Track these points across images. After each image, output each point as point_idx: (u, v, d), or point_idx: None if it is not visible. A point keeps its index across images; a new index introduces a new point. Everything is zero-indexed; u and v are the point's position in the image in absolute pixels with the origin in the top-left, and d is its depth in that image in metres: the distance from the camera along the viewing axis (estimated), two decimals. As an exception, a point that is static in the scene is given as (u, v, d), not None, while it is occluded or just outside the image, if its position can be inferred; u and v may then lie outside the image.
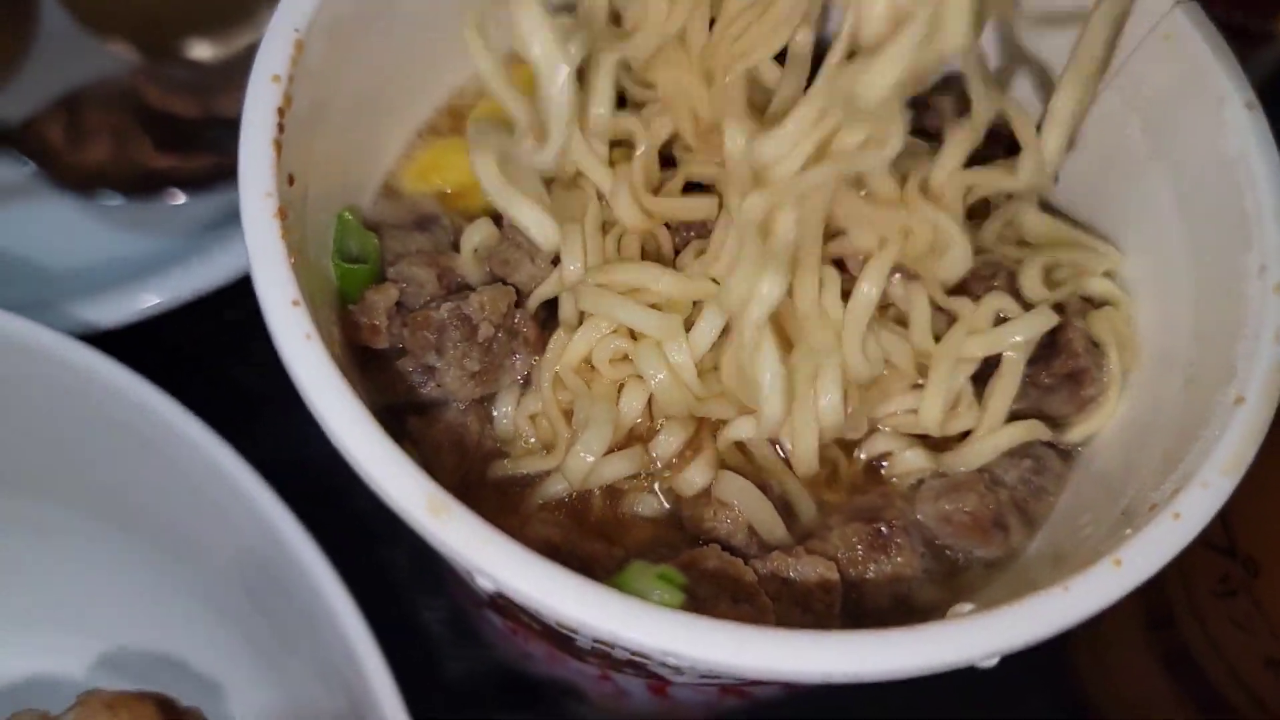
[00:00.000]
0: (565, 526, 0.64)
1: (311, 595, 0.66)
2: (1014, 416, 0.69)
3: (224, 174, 1.00)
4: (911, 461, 0.68)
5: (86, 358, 0.63)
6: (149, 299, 0.87)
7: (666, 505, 0.67)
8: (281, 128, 0.57)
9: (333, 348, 0.57)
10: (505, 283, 0.68)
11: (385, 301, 0.66)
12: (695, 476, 0.65)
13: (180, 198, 1.01)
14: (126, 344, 0.72)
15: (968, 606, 0.55)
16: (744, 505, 0.65)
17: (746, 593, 0.59)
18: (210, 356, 0.98)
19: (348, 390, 0.51)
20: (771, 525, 0.65)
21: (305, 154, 0.61)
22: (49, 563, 0.77)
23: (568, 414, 0.66)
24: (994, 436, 0.68)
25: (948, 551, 0.68)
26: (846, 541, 0.65)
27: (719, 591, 0.59)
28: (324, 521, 0.66)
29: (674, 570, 0.52)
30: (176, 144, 0.98)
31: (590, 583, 0.48)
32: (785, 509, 0.67)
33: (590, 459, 0.63)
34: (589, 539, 0.64)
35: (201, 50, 1.00)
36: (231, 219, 0.90)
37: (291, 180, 0.59)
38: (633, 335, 0.65)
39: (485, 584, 0.49)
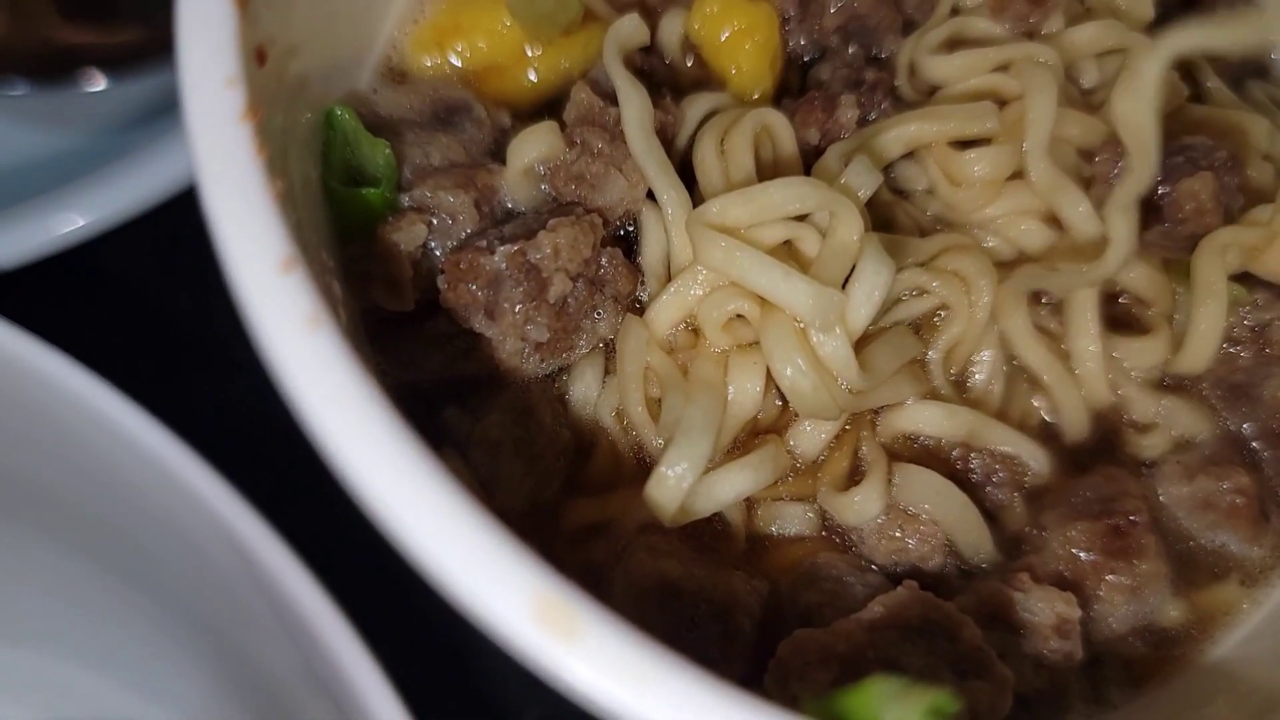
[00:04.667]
0: (683, 554, 0.45)
1: (309, 639, 0.47)
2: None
3: (155, 50, 0.78)
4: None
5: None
6: (71, 220, 0.65)
7: (817, 518, 0.48)
8: (244, -32, 0.35)
9: (337, 319, 0.37)
10: (582, 209, 0.46)
11: (409, 243, 0.44)
12: (866, 504, 0.46)
13: (99, 82, 0.77)
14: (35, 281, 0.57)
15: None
16: (941, 514, 0.46)
17: (973, 660, 0.40)
18: (147, 290, 0.76)
19: (394, 421, 0.30)
20: (979, 539, 0.47)
21: (282, 14, 0.39)
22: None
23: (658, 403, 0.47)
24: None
25: (1195, 550, 0.50)
26: (1071, 548, 0.47)
27: (933, 660, 0.40)
28: (314, 505, 0.46)
29: (947, 696, 0.32)
30: (91, 12, 0.77)
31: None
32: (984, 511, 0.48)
33: (683, 482, 0.44)
34: (719, 570, 0.45)
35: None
36: (170, 109, 0.68)
37: (262, 57, 0.37)
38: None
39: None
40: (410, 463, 0.30)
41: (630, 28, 0.50)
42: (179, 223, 0.62)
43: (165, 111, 0.71)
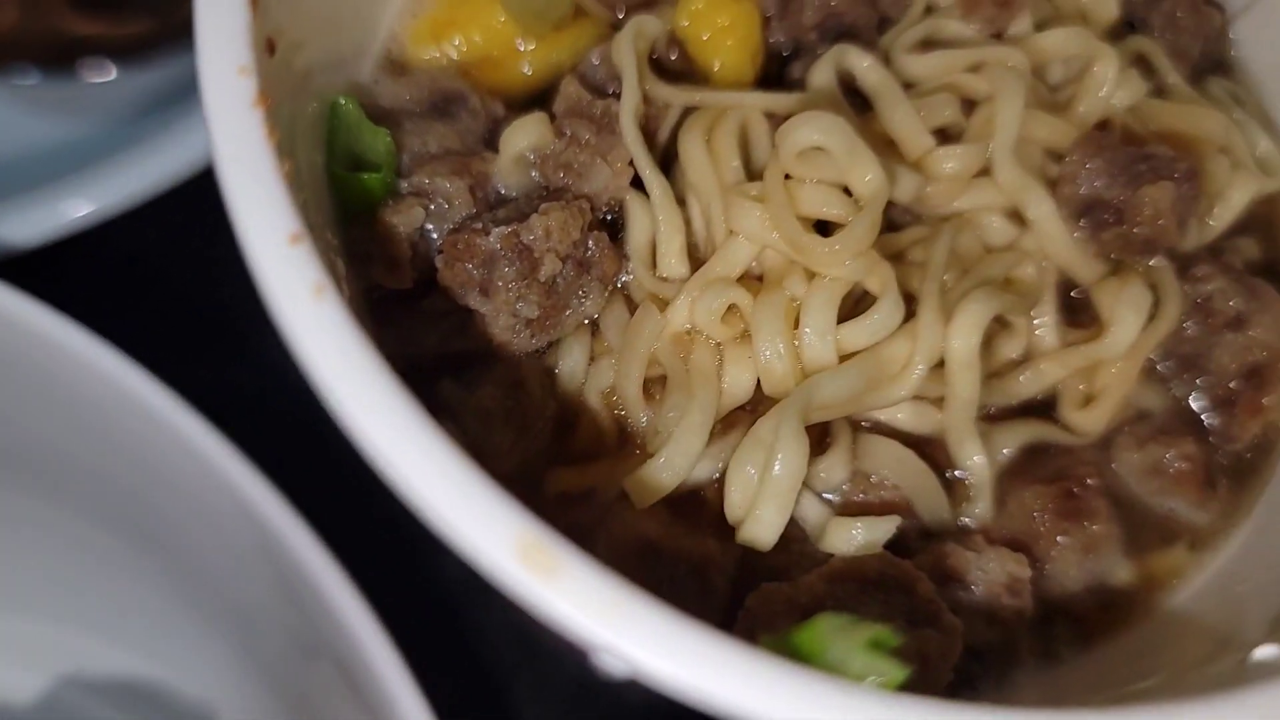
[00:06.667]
0: (663, 518, 0.48)
1: (317, 603, 0.49)
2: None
3: (162, 41, 0.79)
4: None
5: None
6: (79, 206, 0.67)
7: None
8: (256, -40, 0.38)
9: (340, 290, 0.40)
10: (571, 195, 0.49)
11: (407, 226, 0.47)
12: (831, 472, 0.49)
13: (109, 72, 0.79)
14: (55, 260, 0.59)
15: (1272, 649, 0.40)
16: (901, 479, 0.49)
17: (925, 611, 0.44)
18: (161, 269, 0.78)
19: (389, 378, 0.33)
20: (937, 503, 0.50)
21: (289, 7, 0.42)
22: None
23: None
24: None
25: (1146, 515, 0.53)
26: (1025, 511, 0.50)
27: (889, 611, 0.44)
28: (320, 474, 0.49)
29: (888, 631, 0.36)
30: (101, 3, 0.78)
31: (784, 665, 0.31)
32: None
33: (676, 477, 0.47)
34: (695, 534, 0.48)
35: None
36: (177, 98, 0.70)
37: (272, 47, 0.40)
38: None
39: (614, 666, 0.33)
40: (404, 417, 0.33)
41: (653, 26, 0.55)
42: (190, 206, 0.64)
43: (173, 100, 0.72)
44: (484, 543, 0.32)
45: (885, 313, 0.47)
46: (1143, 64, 0.60)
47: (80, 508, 0.60)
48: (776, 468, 0.45)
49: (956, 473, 0.51)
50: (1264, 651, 0.40)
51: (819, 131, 0.47)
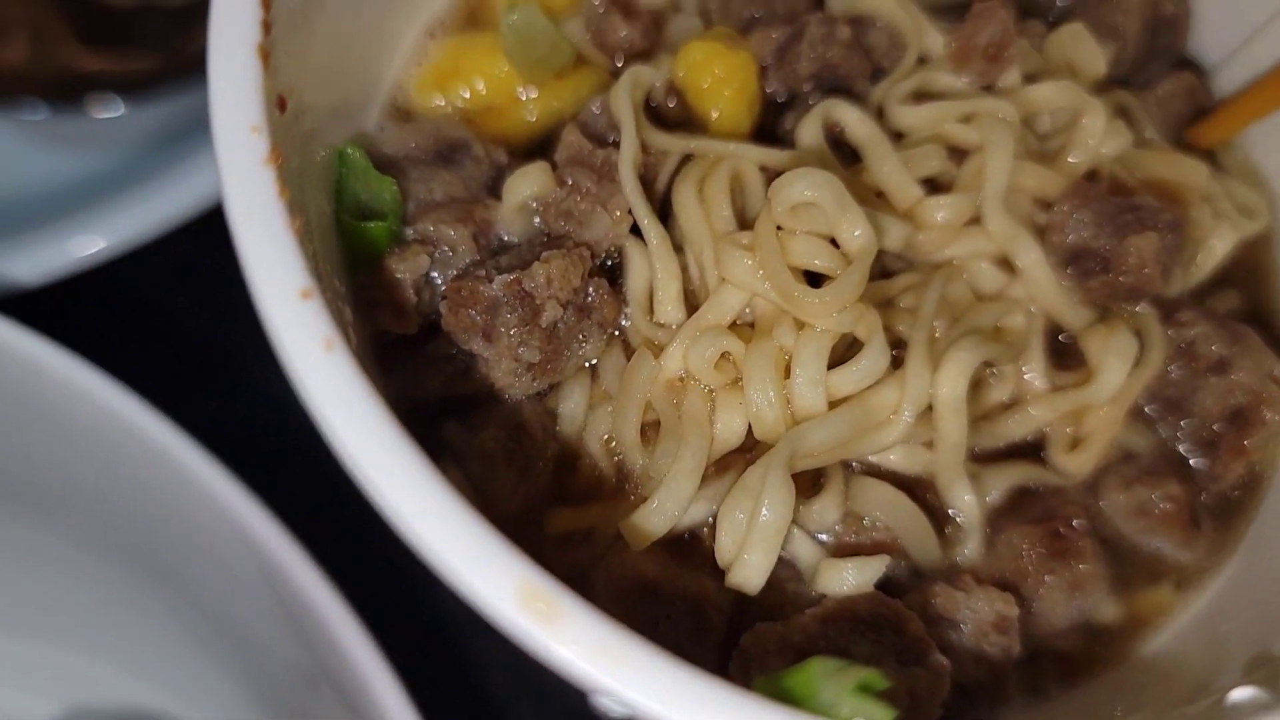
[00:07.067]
0: (660, 558, 0.49)
1: (319, 634, 0.50)
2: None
3: (170, 77, 0.80)
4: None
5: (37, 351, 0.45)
6: (92, 242, 0.67)
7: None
8: (268, 26, 0.40)
9: (348, 341, 0.41)
10: (572, 242, 0.51)
11: (412, 273, 0.49)
12: (825, 513, 0.50)
13: (117, 107, 0.80)
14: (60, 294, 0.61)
15: (1247, 691, 0.41)
16: (892, 521, 0.50)
17: (915, 650, 0.45)
18: (164, 303, 0.79)
19: (395, 429, 0.34)
20: (927, 544, 0.51)
21: (299, 63, 0.43)
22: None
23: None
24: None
25: (1133, 555, 0.54)
26: (1013, 551, 0.51)
27: (879, 650, 0.45)
28: (323, 506, 0.51)
29: (876, 674, 0.37)
30: (108, 39, 0.80)
31: (776, 709, 0.33)
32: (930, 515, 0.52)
33: (668, 522, 0.48)
34: (692, 573, 0.49)
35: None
36: (185, 133, 0.71)
37: (283, 104, 0.42)
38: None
39: (612, 708, 0.34)
40: (410, 468, 0.35)
41: (649, 76, 0.56)
42: (196, 241, 0.65)
43: (181, 136, 0.73)
44: (486, 590, 0.34)
45: (871, 359, 0.49)
46: (1126, 113, 0.62)
47: (88, 539, 0.61)
48: (764, 514, 0.46)
49: (948, 513, 0.52)
50: (1239, 694, 0.41)
51: (811, 187, 0.48)
